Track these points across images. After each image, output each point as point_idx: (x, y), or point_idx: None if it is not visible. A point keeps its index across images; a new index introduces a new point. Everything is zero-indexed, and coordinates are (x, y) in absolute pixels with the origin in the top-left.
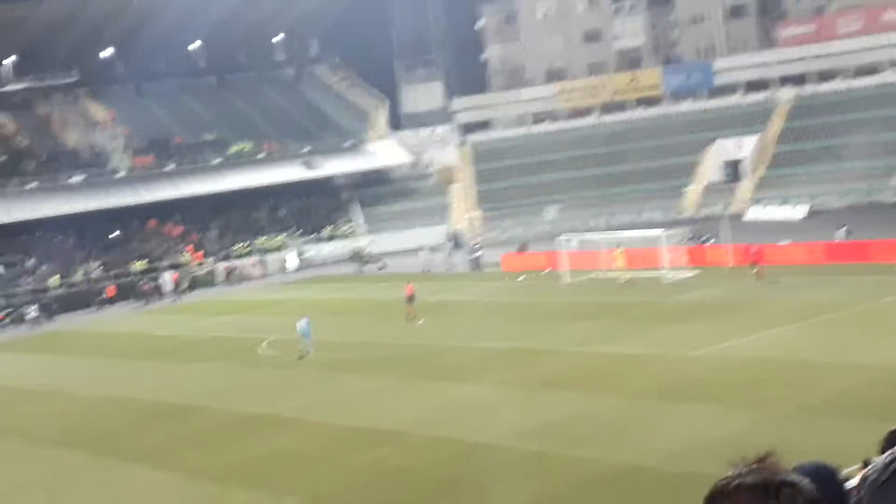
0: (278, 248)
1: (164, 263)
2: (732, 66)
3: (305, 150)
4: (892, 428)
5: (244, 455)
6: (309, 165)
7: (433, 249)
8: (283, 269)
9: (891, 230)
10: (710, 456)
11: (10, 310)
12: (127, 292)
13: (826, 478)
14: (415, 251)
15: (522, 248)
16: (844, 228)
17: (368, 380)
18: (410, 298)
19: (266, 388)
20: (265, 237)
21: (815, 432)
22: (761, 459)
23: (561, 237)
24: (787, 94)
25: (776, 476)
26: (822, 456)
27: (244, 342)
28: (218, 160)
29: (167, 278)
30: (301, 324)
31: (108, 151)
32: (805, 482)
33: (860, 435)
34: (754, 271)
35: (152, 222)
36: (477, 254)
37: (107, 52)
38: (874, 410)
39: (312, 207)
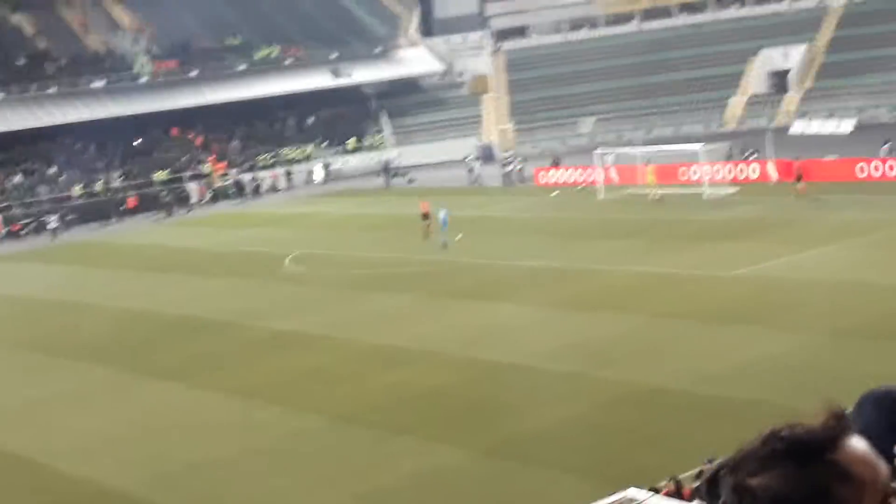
0: (304, 160)
1: (187, 174)
2: None
3: (333, 56)
4: None
5: (269, 372)
6: (337, 73)
7: (478, 162)
8: (309, 182)
9: None
10: (743, 380)
11: (29, 219)
12: (148, 203)
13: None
14: (447, 164)
15: (556, 163)
16: (888, 144)
17: (396, 298)
18: (426, 216)
19: (292, 305)
20: (290, 148)
21: (854, 356)
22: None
23: (596, 151)
24: (838, 0)
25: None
26: (861, 381)
27: (269, 257)
28: (243, 66)
29: (192, 189)
30: (441, 215)
31: (131, 56)
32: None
33: None
34: (797, 188)
35: (174, 131)
36: (509, 167)
37: None
38: None
39: (340, 118)
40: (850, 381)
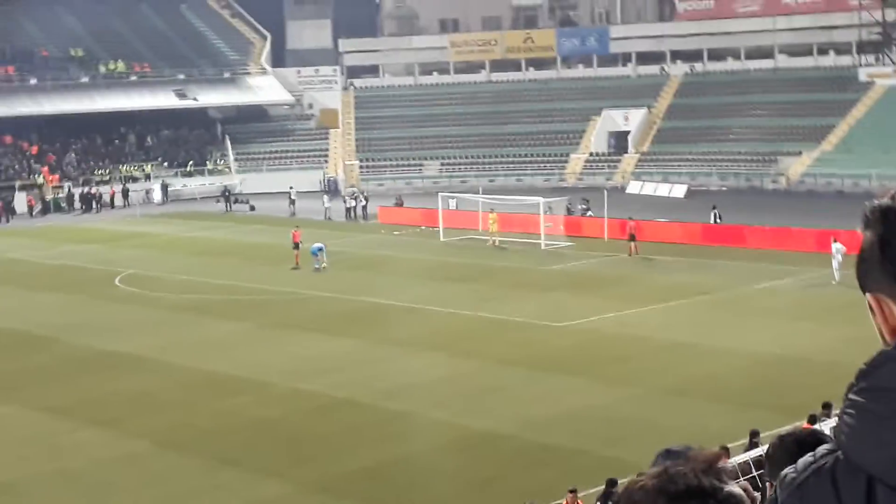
0: (143, 179)
1: (17, 183)
2: (628, 35)
3: (181, 76)
4: (783, 433)
5: (95, 392)
6: (182, 95)
7: (326, 196)
8: (147, 201)
9: (767, 216)
10: (570, 427)
11: None
12: None
13: None
14: (287, 194)
15: (399, 202)
16: (715, 210)
17: (231, 325)
18: (297, 245)
19: (122, 325)
20: (129, 165)
21: (677, 413)
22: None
23: (440, 194)
24: (679, 69)
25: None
26: (682, 437)
27: (101, 274)
28: (85, 78)
29: (21, 199)
30: (315, 247)
31: None
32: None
33: (721, 419)
34: (630, 247)
35: (7, 138)
36: (353, 203)
37: None
38: (736, 396)
39: (182, 139)
40: (667, 434)
